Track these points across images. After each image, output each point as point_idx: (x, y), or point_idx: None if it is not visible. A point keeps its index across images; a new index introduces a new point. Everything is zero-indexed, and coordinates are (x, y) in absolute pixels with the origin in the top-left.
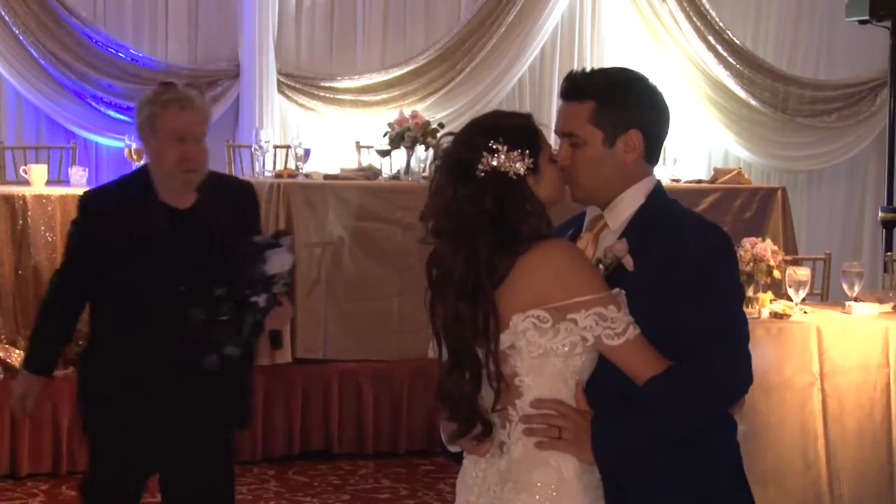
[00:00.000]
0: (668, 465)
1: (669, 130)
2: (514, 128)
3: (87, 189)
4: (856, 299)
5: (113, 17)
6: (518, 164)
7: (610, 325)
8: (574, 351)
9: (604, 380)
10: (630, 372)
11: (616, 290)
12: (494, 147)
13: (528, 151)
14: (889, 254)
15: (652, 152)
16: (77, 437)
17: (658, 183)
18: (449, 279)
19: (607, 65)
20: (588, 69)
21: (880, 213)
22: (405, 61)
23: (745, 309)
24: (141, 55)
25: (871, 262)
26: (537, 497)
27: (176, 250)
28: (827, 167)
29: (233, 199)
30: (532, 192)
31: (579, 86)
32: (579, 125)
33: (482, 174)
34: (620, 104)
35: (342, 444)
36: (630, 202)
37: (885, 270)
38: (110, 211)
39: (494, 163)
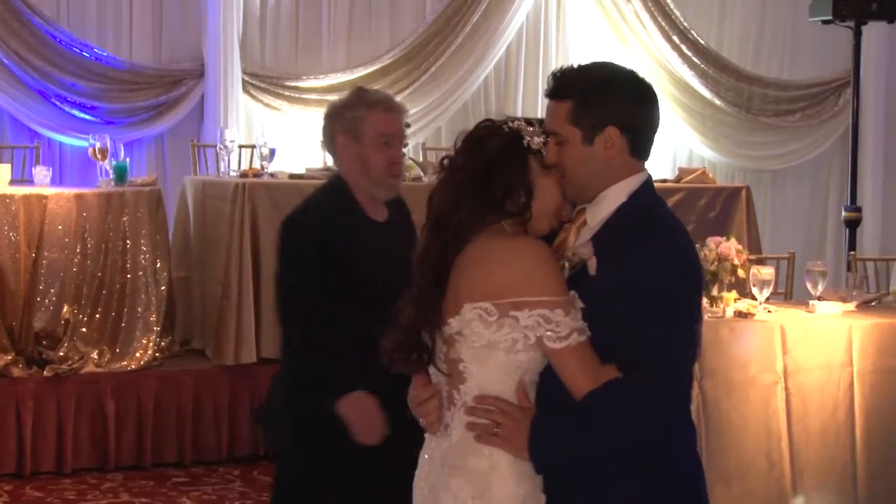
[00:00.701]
0: (611, 461)
1: (658, 123)
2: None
3: (288, 217)
4: (819, 298)
5: (77, 16)
6: (536, 138)
7: (553, 329)
8: (515, 347)
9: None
10: (566, 379)
11: (572, 293)
12: (513, 121)
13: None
14: (852, 253)
15: (638, 148)
16: (41, 437)
17: (646, 181)
18: (428, 221)
19: (572, 63)
20: (573, 66)
21: (843, 213)
22: (371, 61)
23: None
24: (105, 54)
25: (834, 262)
26: (469, 482)
27: (389, 267)
28: (791, 167)
29: (401, 209)
30: (528, 174)
31: (560, 84)
32: (560, 124)
33: (496, 140)
34: (598, 102)
35: None
36: (611, 201)
37: (849, 269)
38: (327, 235)
39: (511, 126)
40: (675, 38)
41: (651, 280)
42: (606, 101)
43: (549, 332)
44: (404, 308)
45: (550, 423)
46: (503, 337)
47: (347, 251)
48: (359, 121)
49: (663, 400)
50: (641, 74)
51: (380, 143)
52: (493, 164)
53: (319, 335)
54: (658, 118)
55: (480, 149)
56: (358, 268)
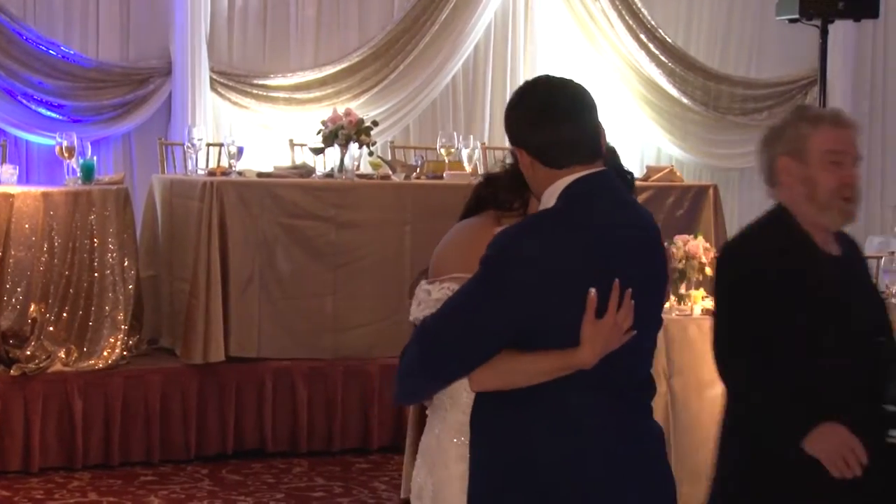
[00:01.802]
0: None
1: (573, 134)
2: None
3: (726, 245)
4: None
5: (43, 13)
6: None
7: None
8: None
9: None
10: None
11: None
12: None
13: None
14: None
15: (551, 161)
16: (8, 436)
17: (576, 181)
18: None
19: (540, 62)
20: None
21: None
22: (339, 59)
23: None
24: (72, 52)
25: None
26: (424, 460)
27: (857, 304)
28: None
29: (849, 241)
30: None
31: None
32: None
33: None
34: (507, 127)
35: (276, 442)
36: (544, 203)
37: None
38: (768, 265)
39: None
40: (642, 36)
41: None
42: (510, 126)
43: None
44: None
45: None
46: (421, 313)
47: (798, 284)
48: (804, 138)
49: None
50: (609, 74)
51: (827, 163)
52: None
53: (766, 368)
54: (572, 129)
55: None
56: (817, 304)
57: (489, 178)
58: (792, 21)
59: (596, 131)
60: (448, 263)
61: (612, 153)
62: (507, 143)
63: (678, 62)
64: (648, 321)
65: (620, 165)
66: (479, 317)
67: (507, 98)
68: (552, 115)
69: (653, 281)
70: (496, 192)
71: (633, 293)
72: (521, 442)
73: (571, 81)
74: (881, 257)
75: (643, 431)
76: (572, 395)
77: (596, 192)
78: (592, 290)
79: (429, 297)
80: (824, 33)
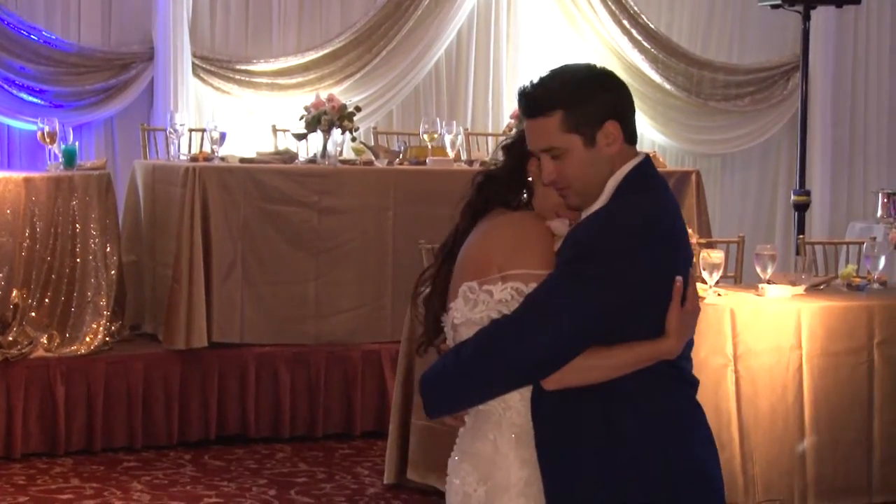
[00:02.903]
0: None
1: (632, 102)
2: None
3: None
4: (769, 282)
5: None
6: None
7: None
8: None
9: None
10: None
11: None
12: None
13: None
14: (801, 236)
15: (630, 132)
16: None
17: (639, 163)
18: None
19: (523, 47)
20: (536, 81)
21: (792, 197)
22: (321, 44)
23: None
24: (54, 37)
25: (783, 245)
26: (475, 467)
27: None
28: (740, 151)
29: None
30: (523, 169)
31: (540, 100)
32: (554, 137)
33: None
34: (588, 102)
35: (259, 428)
36: (608, 190)
37: (798, 253)
38: None
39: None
40: (625, 22)
41: (567, 251)
42: (595, 99)
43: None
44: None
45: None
46: (478, 314)
47: None
48: None
49: (505, 351)
50: (592, 59)
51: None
52: (496, 171)
53: None
54: (632, 99)
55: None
56: None
57: (489, 176)
58: (774, 7)
59: None
60: (500, 261)
61: None
62: (490, 129)
63: (661, 48)
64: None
65: None
66: (576, 315)
67: (491, 83)
68: (619, 81)
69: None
70: (499, 190)
71: (690, 273)
72: (608, 438)
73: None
74: (863, 243)
75: (700, 410)
76: (655, 385)
77: (654, 176)
78: (679, 279)
79: (490, 299)
80: (806, 19)
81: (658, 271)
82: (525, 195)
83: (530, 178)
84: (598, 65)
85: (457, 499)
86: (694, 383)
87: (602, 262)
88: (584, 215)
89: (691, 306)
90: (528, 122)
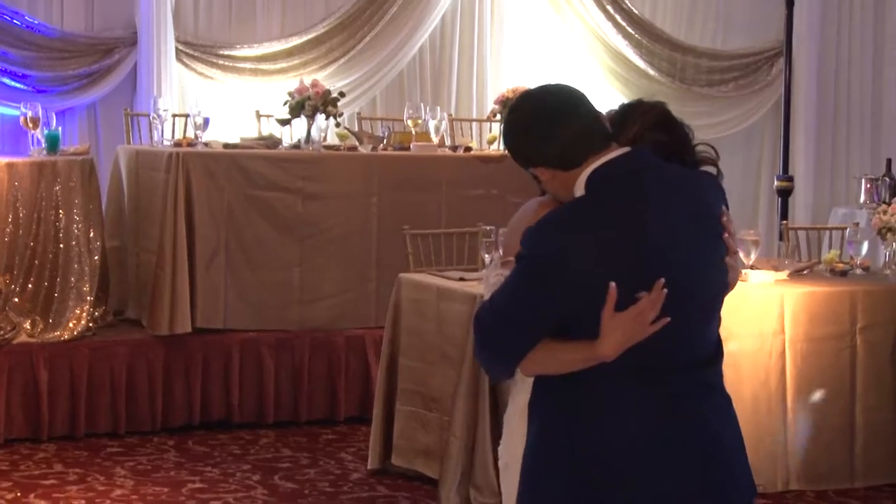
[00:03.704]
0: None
1: (581, 126)
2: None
3: None
4: (752, 267)
5: None
6: None
7: None
8: None
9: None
10: None
11: None
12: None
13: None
14: (784, 222)
15: (569, 162)
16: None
17: (596, 170)
18: None
19: (507, 33)
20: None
21: (776, 182)
22: (305, 30)
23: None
24: (36, 22)
25: (766, 231)
26: (503, 441)
27: None
28: (724, 136)
29: None
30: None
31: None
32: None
33: None
34: (517, 156)
35: (243, 413)
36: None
37: (781, 238)
38: None
39: None
40: (609, 7)
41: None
42: (520, 153)
43: None
44: None
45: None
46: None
47: None
48: None
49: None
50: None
51: None
52: None
53: None
54: (573, 125)
55: None
56: None
57: None
58: None
59: (596, 118)
60: (513, 245)
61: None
62: (474, 115)
63: (644, 33)
64: (702, 300)
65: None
66: (521, 312)
67: (475, 69)
68: (549, 120)
69: (705, 255)
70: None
71: (678, 271)
72: (559, 427)
73: (550, 84)
74: (846, 228)
75: (686, 413)
76: (604, 383)
77: (619, 174)
78: (612, 284)
79: (500, 281)
80: (790, 5)
81: (576, 272)
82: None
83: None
84: (549, 95)
85: (501, 465)
86: (657, 378)
87: (526, 261)
88: None
89: (632, 312)
90: None
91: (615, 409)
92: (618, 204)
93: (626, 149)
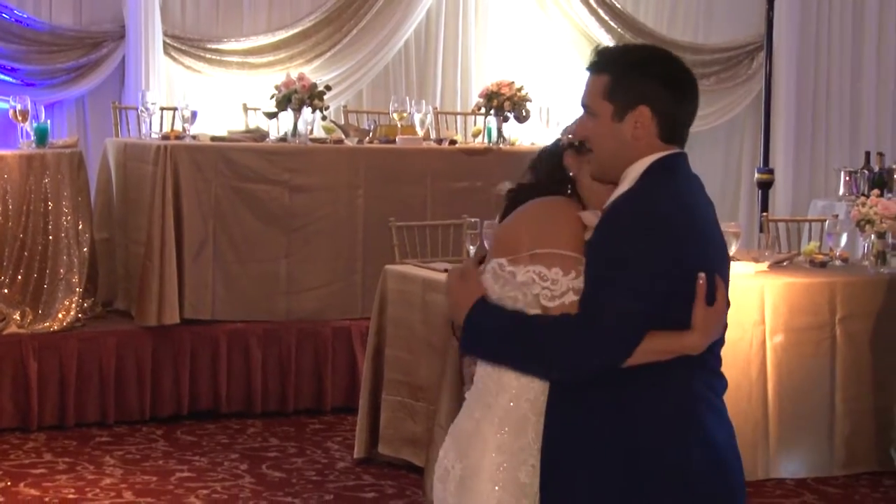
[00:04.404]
0: (588, 423)
1: (692, 114)
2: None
3: None
4: (733, 258)
5: None
6: (567, 136)
7: (549, 287)
8: (517, 305)
9: None
10: None
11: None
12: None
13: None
14: (765, 214)
15: (667, 132)
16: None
17: (664, 158)
18: None
19: (491, 27)
20: (619, 45)
21: (756, 175)
22: (291, 24)
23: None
24: (25, 16)
25: (747, 223)
26: (456, 444)
27: None
28: (705, 129)
29: None
30: (563, 167)
31: (599, 59)
32: (594, 98)
33: (555, 142)
34: (633, 79)
35: (230, 403)
36: (630, 179)
37: (761, 230)
38: None
39: (563, 133)
40: (592, 2)
41: (600, 236)
42: (642, 80)
43: (544, 290)
44: None
45: (492, 308)
46: (507, 294)
47: None
48: None
49: (587, 346)
50: (560, 39)
51: None
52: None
53: None
54: (693, 111)
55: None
56: None
57: (522, 187)
58: None
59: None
60: (528, 240)
61: None
62: (458, 108)
63: (627, 28)
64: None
65: None
66: (618, 326)
67: (460, 63)
68: (690, 89)
69: (727, 256)
70: (540, 195)
71: (722, 268)
72: (594, 421)
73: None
74: (825, 220)
75: (712, 405)
76: (676, 377)
77: (681, 169)
78: (702, 276)
79: (514, 280)
80: None
81: (679, 269)
82: (569, 190)
83: (571, 174)
84: (686, 67)
85: (439, 472)
86: (715, 381)
87: (628, 269)
88: (609, 201)
89: (720, 306)
90: (588, 76)
91: (652, 403)
92: (685, 194)
93: (681, 150)
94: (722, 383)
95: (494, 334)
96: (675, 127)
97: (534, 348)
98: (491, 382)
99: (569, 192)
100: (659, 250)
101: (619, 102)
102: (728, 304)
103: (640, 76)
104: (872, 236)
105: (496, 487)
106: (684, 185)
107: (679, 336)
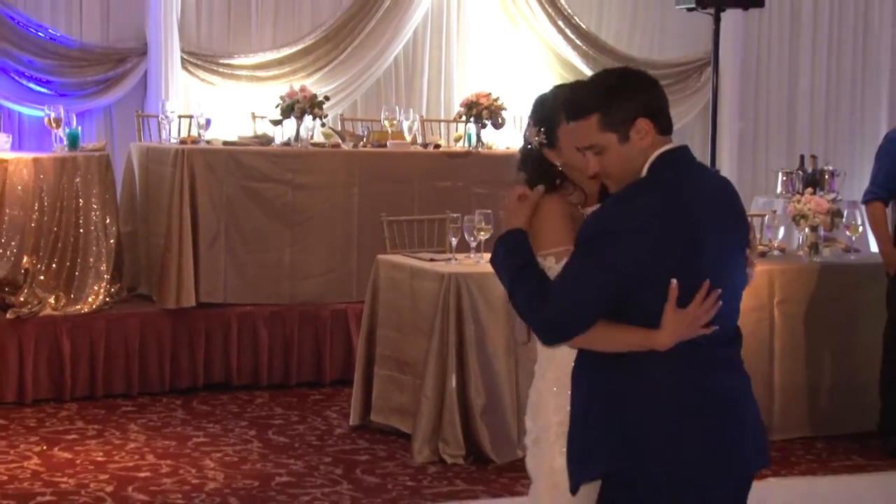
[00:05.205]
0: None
1: (664, 95)
2: (540, 105)
3: None
4: None
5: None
6: (535, 139)
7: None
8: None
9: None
10: None
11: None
12: (528, 123)
13: (542, 128)
14: None
15: (662, 123)
16: (4, 371)
17: (664, 153)
18: None
19: (471, 45)
20: (575, 87)
21: None
22: (294, 41)
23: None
24: (59, 34)
25: None
26: (530, 409)
27: None
28: None
29: None
30: (546, 159)
31: (578, 105)
32: (593, 137)
33: (525, 144)
34: (619, 102)
35: (240, 377)
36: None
37: None
38: None
39: (526, 135)
40: (560, 23)
41: (585, 225)
42: (624, 98)
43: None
44: None
45: (515, 237)
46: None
47: None
48: None
49: (539, 324)
50: (532, 56)
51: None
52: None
53: None
54: (663, 92)
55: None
56: None
57: (523, 159)
58: (689, 10)
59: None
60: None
61: None
62: (442, 116)
63: (591, 45)
64: (730, 293)
65: None
66: (585, 291)
67: (443, 76)
68: (651, 79)
69: (735, 255)
70: (528, 175)
71: (717, 264)
72: (605, 398)
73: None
74: (765, 215)
75: (715, 387)
76: (648, 359)
77: (685, 161)
78: (674, 281)
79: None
80: (717, 20)
81: (648, 256)
82: (559, 181)
83: (557, 163)
84: (631, 67)
85: (527, 438)
86: (714, 370)
87: (599, 244)
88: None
89: (692, 312)
90: (572, 125)
91: (657, 383)
92: (680, 192)
93: (681, 143)
94: (716, 372)
95: (506, 264)
96: (663, 115)
97: (515, 299)
98: (544, 358)
99: (557, 181)
100: (627, 249)
101: (619, 128)
102: (719, 301)
103: (620, 95)
104: (806, 229)
105: (558, 440)
106: (684, 178)
107: (650, 334)
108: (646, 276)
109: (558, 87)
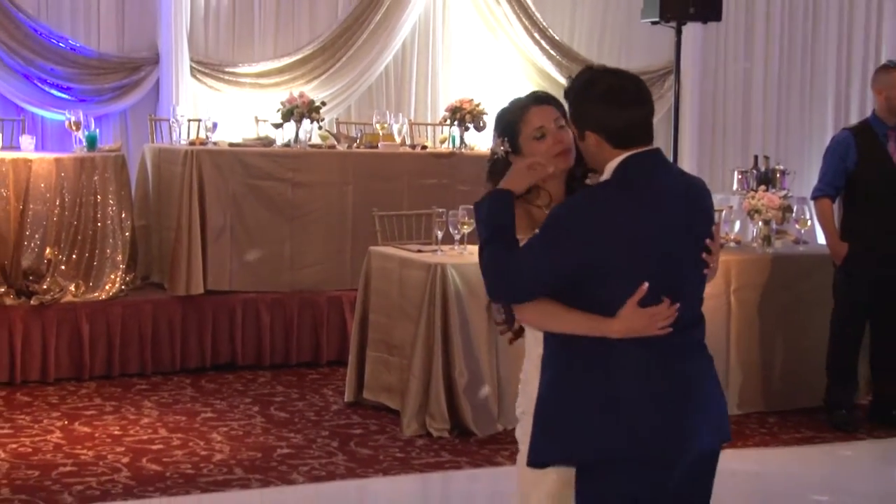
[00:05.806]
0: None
1: (643, 115)
2: (500, 118)
3: None
4: None
5: (54, 12)
6: (501, 149)
7: None
8: None
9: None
10: None
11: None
12: (495, 134)
13: (505, 138)
14: None
15: (617, 141)
16: (28, 353)
17: (627, 158)
18: None
19: (454, 55)
20: (574, 75)
21: None
22: (293, 51)
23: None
24: (78, 44)
25: None
26: (519, 392)
27: None
28: None
29: None
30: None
31: (544, 97)
32: (557, 117)
33: (492, 155)
34: (575, 111)
35: (245, 357)
36: (605, 174)
37: None
38: None
39: (492, 147)
40: (535, 34)
41: (550, 213)
42: (580, 110)
43: None
44: None
45: (505, 197)
46: None
47: None
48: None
49: (493, 285)
50: (509, 65)
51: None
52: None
53: None
54: (642, 113)
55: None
56: None
57: (491, 169)
58: (654, 23)
59: (652, 113)
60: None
61: None
62: (429, 119)
63: (564, 55)
64: (690, 285)
65: None
66: (539, 263)
67: (430, 83)
68: (622, 99)
69: (694, 250)
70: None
71: (682, 248)
72: (569, 379)
73: (628, 71)
74: (722, 210)
75: (679, 371)
76: (609, 342)
77: (649, 164)
78: (645, 284)
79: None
80: (679, 32)
81: (589, 251)
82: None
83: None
84: (621, 77)
85: (517, 410)
86: (679, 353)
87: (559, 232)
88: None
89: (650, 313)
90: (543, 106)
91: (618, 365)
92: (641, 183)
93: (653, 146)
94: (681, 338)
95: (487, 220)
96: (620, 135)
97: (484, 252)
98: (531, 337)
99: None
100: (582, 242)
101: (575, 128)
102: (675, 301)
103: (576, 103)
104: (760, 223)
105: None
106: (648, 180)
107: (606, 321)
108: (599, 271)
109: (516, 100)
